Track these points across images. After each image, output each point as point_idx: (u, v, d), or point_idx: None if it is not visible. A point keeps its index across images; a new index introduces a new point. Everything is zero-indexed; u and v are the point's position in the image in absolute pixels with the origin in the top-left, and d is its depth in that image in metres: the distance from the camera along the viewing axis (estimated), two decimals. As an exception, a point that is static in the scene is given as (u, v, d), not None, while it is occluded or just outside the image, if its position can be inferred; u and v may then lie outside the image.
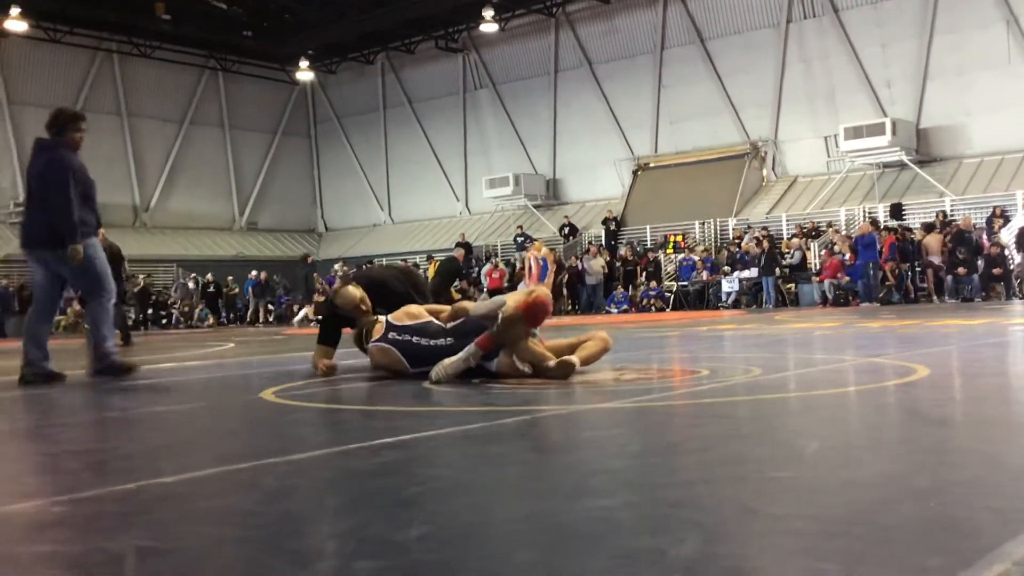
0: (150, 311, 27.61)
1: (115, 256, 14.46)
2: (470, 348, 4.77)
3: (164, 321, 27.62)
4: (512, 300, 4.83)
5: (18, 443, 3.45)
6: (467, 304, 5.41)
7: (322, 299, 20.01)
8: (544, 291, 4.96)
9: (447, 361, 4.79)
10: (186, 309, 27.86)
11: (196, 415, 4.38)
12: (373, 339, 5.29)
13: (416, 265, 27.39)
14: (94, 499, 2.28)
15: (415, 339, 5.10)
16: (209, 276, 28.62)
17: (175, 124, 32.72)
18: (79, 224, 6.13)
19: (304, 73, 32.87)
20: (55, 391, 5.74)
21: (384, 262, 28.92)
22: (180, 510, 2.13)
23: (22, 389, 5.80)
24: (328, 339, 5.97)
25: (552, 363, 4.74)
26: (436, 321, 5.21)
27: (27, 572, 1.65)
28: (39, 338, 6.23)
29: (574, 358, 4.82)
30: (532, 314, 4.75)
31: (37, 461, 2.99)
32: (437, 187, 32.82)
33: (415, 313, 5.32)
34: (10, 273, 26.92)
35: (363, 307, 5.69)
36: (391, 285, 5.97)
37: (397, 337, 5.17)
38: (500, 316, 4.75)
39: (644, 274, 23.79)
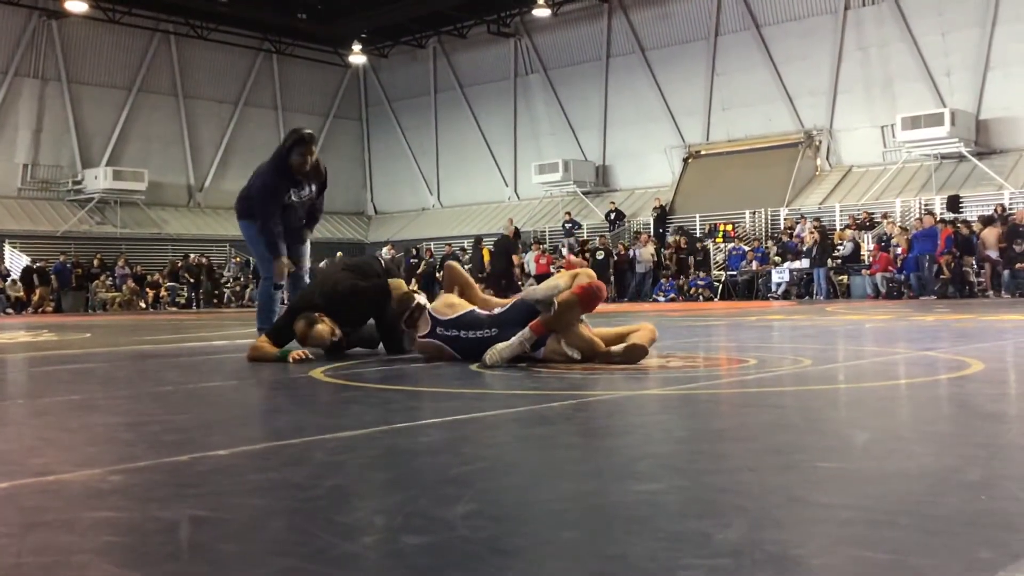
0: (202, 289, 28.10)
1: None
2: (524, 332, 4.77)
3: (216, 300, 28.08)
4: (566, 283, 4.81)
5: (77, 414, 3.54)
6: (488, 297, 5.45)
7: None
8: (594, 279, 4.91)
9: (500, 345, 4.79)
10: (238, 288, 28.28)
11: (248, 391, 4.46)
12: (420, 333, 5.25)
13: (463, 249, 27.45)
14: (149, 469, 2.34)
15: (463, 333, 5.06)
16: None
17: (230, 105, 33.11)
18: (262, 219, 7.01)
19: (356, 56, 33.05)
20: (111, 366, 5.88)
21: (431, 246, 29.05)
22: (232, 482, 2.17)
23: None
24: (283, 340, 5.77)
25: (619, 348, 4.72)
26: (478, 310, 5.19)
27: (86, 536, 1.70)
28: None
29: (643, 343, 4.79)
30: (588, 299, 4.75)
31: (95, 432, 3.07)
32: (486, 172, 32.85)
33: (455, 303, 5.26)
34: (67, 249, 27.54)
35: (334, 339, 5.68)
36: (358, 293, 5.82)
37: (445, 333, 5.12)
38: (556, 301, 4.75)
39: (674, 262, 23.68)
